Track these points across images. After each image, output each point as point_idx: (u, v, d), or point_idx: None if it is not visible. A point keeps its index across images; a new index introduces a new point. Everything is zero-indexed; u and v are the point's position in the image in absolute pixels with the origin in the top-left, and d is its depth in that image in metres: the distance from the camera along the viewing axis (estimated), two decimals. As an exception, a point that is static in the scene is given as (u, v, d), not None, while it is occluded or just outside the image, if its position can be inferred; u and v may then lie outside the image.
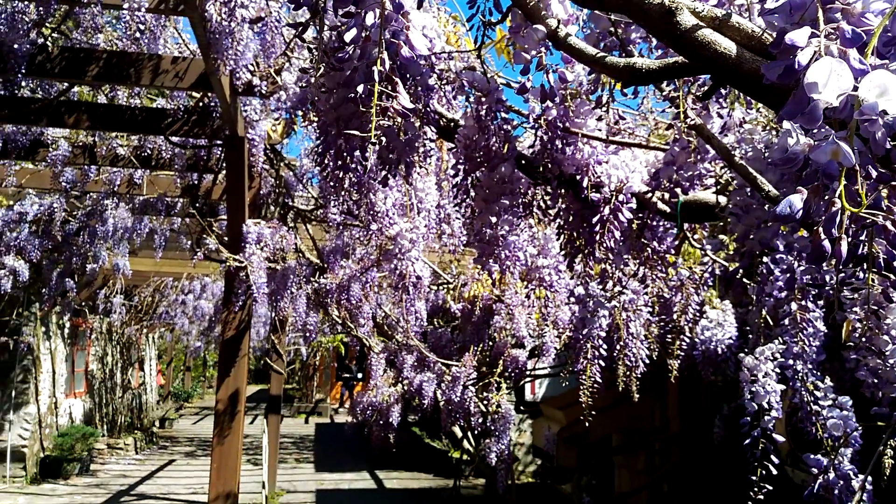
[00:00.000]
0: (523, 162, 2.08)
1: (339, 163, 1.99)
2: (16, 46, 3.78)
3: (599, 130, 1.99)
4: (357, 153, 2.03)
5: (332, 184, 2.06)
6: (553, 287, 2.54)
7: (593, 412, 2.82)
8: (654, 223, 2.19)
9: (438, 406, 5.69)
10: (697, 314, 3.15)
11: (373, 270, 5.41)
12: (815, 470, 1.79)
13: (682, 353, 2.97)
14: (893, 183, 0.64)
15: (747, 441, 2.08)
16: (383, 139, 1.94)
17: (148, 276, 11.99)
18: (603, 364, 2.55)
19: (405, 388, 5.85)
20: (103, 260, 8.44)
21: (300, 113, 3.38)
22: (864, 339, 1.43)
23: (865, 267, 1.06)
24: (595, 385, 2.62)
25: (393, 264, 2.70)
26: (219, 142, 5.44)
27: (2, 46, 3.77)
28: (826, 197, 0.64)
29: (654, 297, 2.81)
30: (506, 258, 1.99)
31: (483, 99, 1.97)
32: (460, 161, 2.04)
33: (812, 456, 1.61)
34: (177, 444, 16.40)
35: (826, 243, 0.64)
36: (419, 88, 1.91)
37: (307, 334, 7.16)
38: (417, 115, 1.95)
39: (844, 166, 0.61)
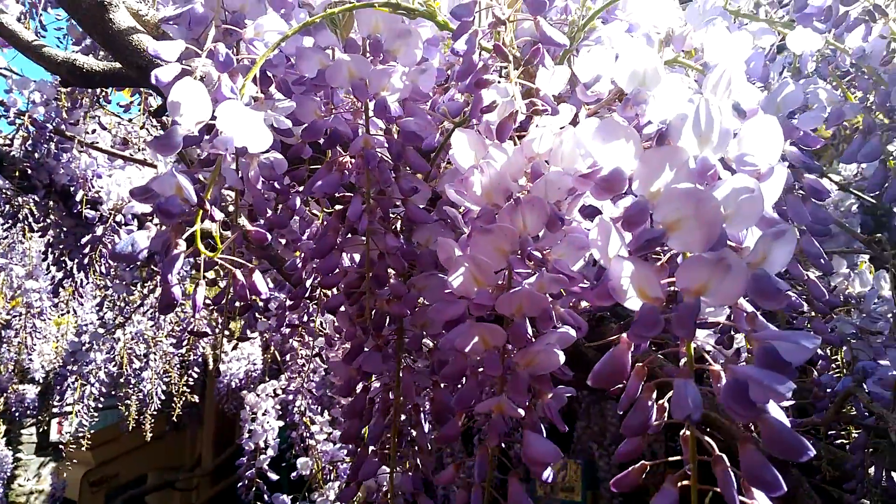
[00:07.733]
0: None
1: None
2: None
3: (101, 139, 1.77)
4: None
5: None
6: (43, 315, 2.18)
7: (125, 451, 2.49)
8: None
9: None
10: (224, 349, 3.06)
11: None
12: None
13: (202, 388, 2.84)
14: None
15: (241, 484, 2.02)
16: None
17: None
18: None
19: None
20: None
21: None
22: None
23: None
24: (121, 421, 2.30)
25: None
26: None
27: None
28: (164, 237, 0.58)
29: (172, 332, 2.63)
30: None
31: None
32: None
33: (280, 496, 1.61)
34: None
35: (175, 290, 0.58)
36: None
37: None
38: None
39: (190, 201, 0.55)
